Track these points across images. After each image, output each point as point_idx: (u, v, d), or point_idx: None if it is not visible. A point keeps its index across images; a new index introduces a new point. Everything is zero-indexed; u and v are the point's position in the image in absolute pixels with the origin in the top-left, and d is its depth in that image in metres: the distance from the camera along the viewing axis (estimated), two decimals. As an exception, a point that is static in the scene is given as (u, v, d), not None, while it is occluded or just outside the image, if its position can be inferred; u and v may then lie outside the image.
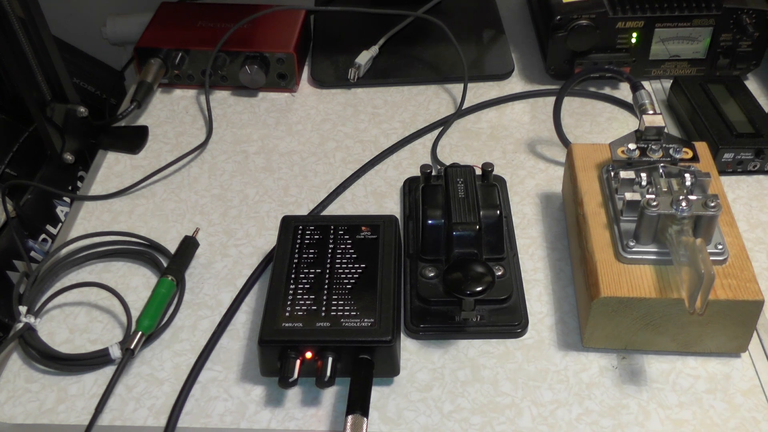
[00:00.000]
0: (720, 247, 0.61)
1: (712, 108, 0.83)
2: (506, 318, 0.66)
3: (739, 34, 0.88)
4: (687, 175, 0.63)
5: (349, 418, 0.55)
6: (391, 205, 0.79)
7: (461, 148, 0.86)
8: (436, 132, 0.88)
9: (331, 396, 0.61)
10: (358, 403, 0.56)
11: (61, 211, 0.94)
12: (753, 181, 0.80)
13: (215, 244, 0.75)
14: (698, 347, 0.63)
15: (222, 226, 0.77)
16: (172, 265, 0.70)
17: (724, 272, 0.60)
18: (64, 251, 0.74)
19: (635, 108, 0.72)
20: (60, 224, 0.92)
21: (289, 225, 0.69)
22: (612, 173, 0.67)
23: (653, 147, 0.66)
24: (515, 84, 0.95)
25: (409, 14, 1.01)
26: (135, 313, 0.67)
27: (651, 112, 0.69)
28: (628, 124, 0.88)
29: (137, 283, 0.72)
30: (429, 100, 0.93)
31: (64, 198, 0.94)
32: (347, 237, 0.67)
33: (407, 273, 0.69)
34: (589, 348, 0.64)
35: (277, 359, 0.60)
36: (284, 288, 0.63)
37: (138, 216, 0.79)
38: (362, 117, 0.91)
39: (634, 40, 0.89)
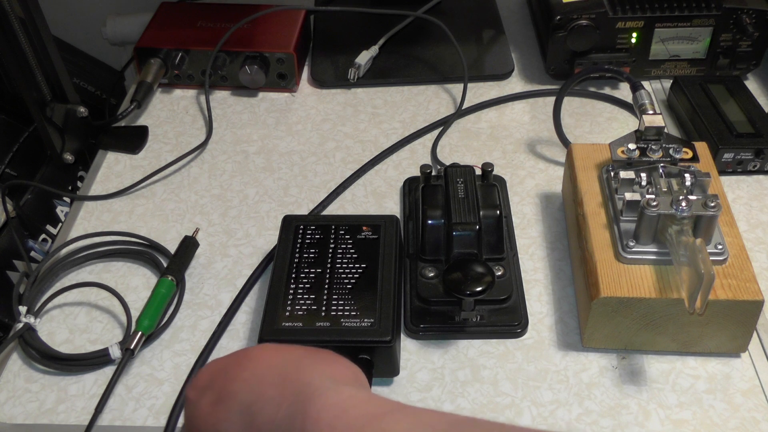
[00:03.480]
0: (720, 247, 0.61)
1: (712, 108, 0.83)
2: (506, 318, 0.66)
3: (739, 34, 0.88)
4: (687, 175, 0.63)
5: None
6: (391, 205, 0.79)
7: (461, 148, 0.86)
8: (436, 132, 0.88)
9: (331, 396, 0.61)
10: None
11: (61, 211, 0.94)
12: (753, 181, 0.80)
13: (215, 244, 0.75)
14: (698, 347, 0.63)
15: (222, 226, 0.77)
16: (172, 265, 0.70)
17: (724, 272, 0.60)
18: (64, 251, 0.74)
19: (635, 108, 0.72)
20: (60, 224, 0.92)
21: (290, 224, 0.69)
22: (612, 173, 0.67)
23: (653, 147, 0.66)
24: (515, 84, 0.95)
25: (409, 14, 1.01)
26: (135, 313, 0.67)
27: (651, 112, 0.69)
28: (628, 124, 0.88)
29: (137, 283, 0.72)
30: (429, 100, 0.93)
31: (64, 198, 0.94)
32: (348, 237, 0.67)
33: (407, 273, 0.69)
34: (589, 348, 0.64)
35: (277, 359, 0.60)
36: (284, 287, 0.63)
37: (138, 216, 0.79)
38: (362, 117, 0.91)
39: (634, 40, 0.89)
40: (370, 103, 0.93)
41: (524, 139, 0.87)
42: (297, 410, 0.41)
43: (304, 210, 0.79)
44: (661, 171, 0.65)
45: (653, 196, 0.60)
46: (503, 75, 0.96)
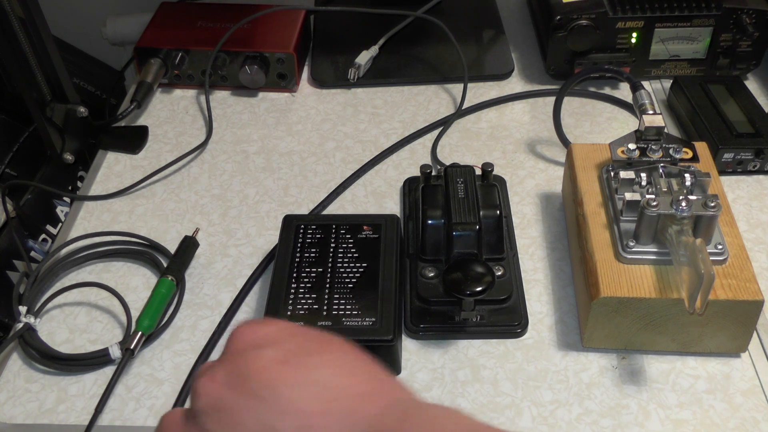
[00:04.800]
0: (720, 247, 0.61)
1: (712, 108, 0.83)
2: (506, 318, 0.66)
3: (739, 34, 0.88)
4: (687, 175, 0.63)
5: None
6: (391, 205, 0.79)
7: (461, 148, 0.86)
8: (436, 132, 0.88)
9: (331, 396, 0.61)
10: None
11: (61, 211, 0.94)
12: (753, 181, 0.80)
13: (215, 244, 0.75)
14: (698, 347, 0.63)
15: (222, 226, 0.77)
16: (172, 265, 0.70)
17: (723, 272, 0.60)
18: (64, 251, 0.74)
19: (635, 108, 0.72)
20: (60, 224, 0.92)
21: (291, 224, 0.69)
22: (612, 173, 0.67)
23: (653, 147, 0.66)
24: (515, 84, 0.95)
25: (409, 14, 1.01)
26: (135, 313, 0.67)
27: (651, 112, 0.69)
28: (628, 124, 0.88)
29: (137, 283, 0.72)
30: (429, 100, 0.93)
31: (64, 198, 0.94)
32: (349, 236, 0.67)
33: (407, 273, 0.69)
34: (589, 348, 0.64)
35: (277, 359, 0.60)
36: (286, 287, 0.63)
37: (138, 216, 0.79)
38: (362, 117, 0.91)
39: (634, 40, 0.89)
40: (370, 103, 0.93)
41: (524, 139, 0.87)
42: (392, 416, 0.40)
43: (304, 210, 0.79)
44: (661, 171, 0.65)
45: (653, 196, 0.60)
46: (503, 75, 0.96)
